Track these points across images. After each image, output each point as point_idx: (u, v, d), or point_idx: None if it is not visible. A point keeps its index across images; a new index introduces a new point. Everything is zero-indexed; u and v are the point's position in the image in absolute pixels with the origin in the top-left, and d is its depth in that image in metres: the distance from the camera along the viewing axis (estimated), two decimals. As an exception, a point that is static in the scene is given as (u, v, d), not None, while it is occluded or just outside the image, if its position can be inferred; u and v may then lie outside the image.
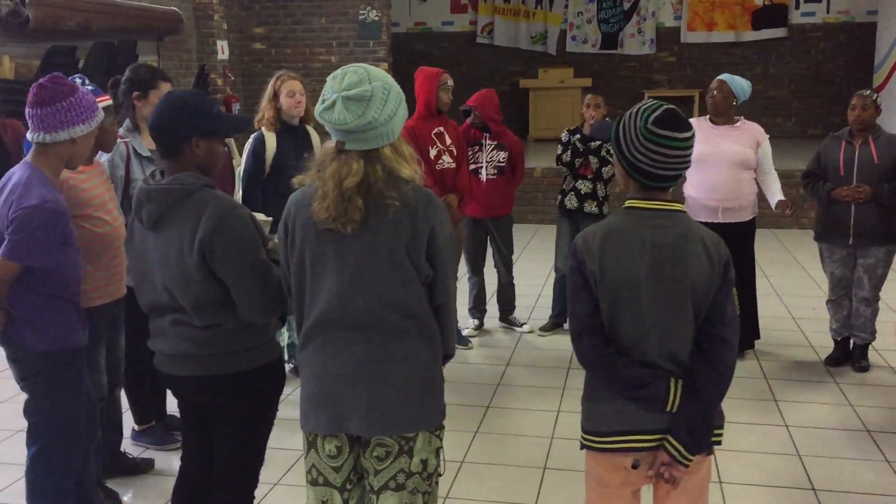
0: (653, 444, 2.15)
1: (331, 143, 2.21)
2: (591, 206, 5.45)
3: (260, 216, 2.70)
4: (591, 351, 2.16)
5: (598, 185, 5.45)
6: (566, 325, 5.78)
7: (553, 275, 5.86)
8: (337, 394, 2.20)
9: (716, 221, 4.85)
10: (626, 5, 13.63)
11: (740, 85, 4.94)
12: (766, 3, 13.28)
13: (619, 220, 2.19)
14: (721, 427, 2.19)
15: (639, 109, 2.15)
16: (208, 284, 2.42)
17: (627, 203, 2.21)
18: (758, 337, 5.18)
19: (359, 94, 2.09)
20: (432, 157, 5.01)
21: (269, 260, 2.47)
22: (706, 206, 4.88)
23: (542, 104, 13.08)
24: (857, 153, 4.67)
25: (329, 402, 2.21)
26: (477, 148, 5.46)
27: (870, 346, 4.98)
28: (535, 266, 7.51)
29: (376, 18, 10.59)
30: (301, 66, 10.63)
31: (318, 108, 2.15)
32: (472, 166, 5.45)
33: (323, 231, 2.16)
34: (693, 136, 2.12)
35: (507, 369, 5.06)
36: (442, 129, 5.15)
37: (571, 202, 5.47)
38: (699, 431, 2.10)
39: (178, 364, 2.57)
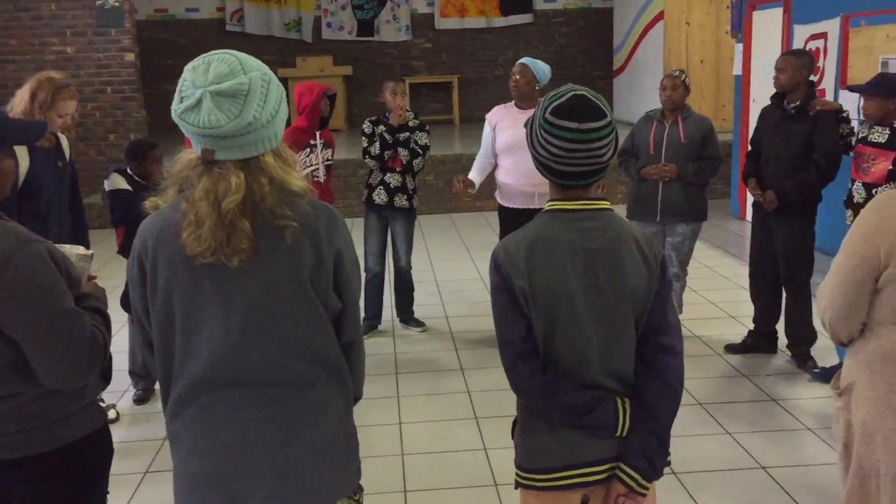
0: (604, 475, 1.91)
1: (191, 154, 1.73)
2: (401, 200, 5.18)
3: (78, 249, 2.11)
4: (530, 379, 1.87)
5: (408, 178, 5.19)
6: (381, 327, 5.50)
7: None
8: (231, 469, 1.73)
9: (533, 207, 4.79)
10: (380, -9, 13.50)
11: (542, 69, 4.88)
12: (512, -11, 13.76)
13: (542, 226, 1.91)
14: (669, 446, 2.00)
15: (547, 96, 1.90)
16: None
17: (548, 205, 1.94)
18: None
19: (233, 89, 1.63)
20: None
21: (77, 309, 1.89)
22: (522, 191, 4.80)
23: (303, 94, 12.57)
24: (666, 132, 4.79)
25: (221, 480, 1.74)
26: (309, 150, 5.00)
27: (676, 318, 5.19)
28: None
29: (116, 4, 9.51)
30: (30, 59, 9.32)
31: (177, 107, 1.66)
32: (306, 171, 4.98)
33: (199, 267, 1.68)
34: (604, 126, 1.81)
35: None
36: None
37: (381, 197, 5.16)
38: (656, 455, 1.89)
39: None
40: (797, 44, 7.33)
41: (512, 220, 4.92)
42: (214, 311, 1.69)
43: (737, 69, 8.77)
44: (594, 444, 1.90)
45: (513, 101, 4.99)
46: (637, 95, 11.70)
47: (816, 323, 4.62)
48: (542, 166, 1.89)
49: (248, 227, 1.65)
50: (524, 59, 4.89)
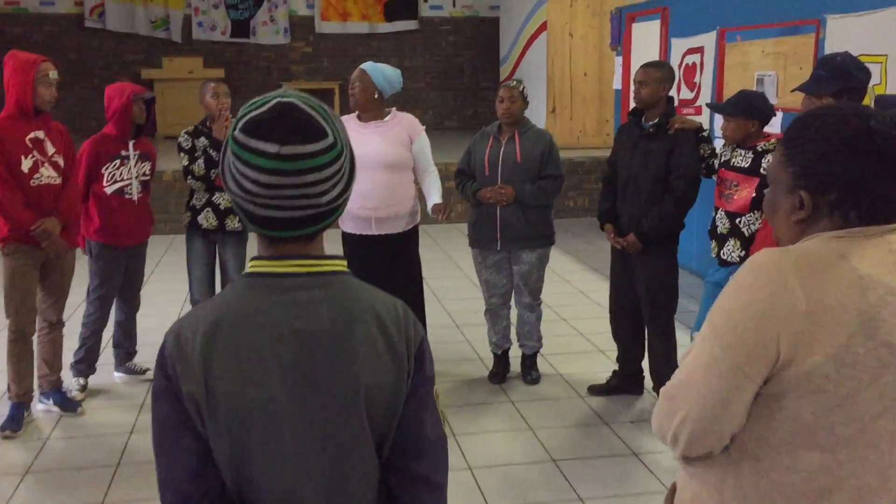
0: None
1: None
2: (233, 223, 4.49)
3: None
4: None
5: (239, 197, 4.52)
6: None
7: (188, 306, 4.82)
8: None
9: (369, 234, 4.24)
10: (256, -9, 12.73)
11: (384, 75, 4.28)
12: (396, -6, 13.22)
13: (234, 298, 1.30)
14: None
15: (244, 106, 1.30)
16: None
17: (250, 266, 1.34)
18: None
19: None
20: (26, 171, 3.86)
21: None
22: (358, 216, 4.24)
23: (171, 97, 11.69)
24: (502, 150, 4.29)
25: None
26: (119, 162, 4.27)
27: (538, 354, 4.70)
28: (168, 292, 6.35)
29: (-56, -8, 8.51)
30: None
31: None
32: (115, 185, 4.29)
33: None
34: (320, 152, 1.24)
35: (132, 439, 3.95)
36: (41, 133, 3.92)
37: (209, 220, 4.44)
38: None
39: None
40: (674, 58, 7.03)
41: (350, 247, 4.34)
42: None
43: (617, 83, 8.46)
44: None
45: (356, 113, 4.41)
46: (522, 107, 11.33)
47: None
48: (240, 209, 1.30)
49: None
50: (365, 65, 4.32)
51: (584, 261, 7.47)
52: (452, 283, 6.66)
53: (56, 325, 4.19)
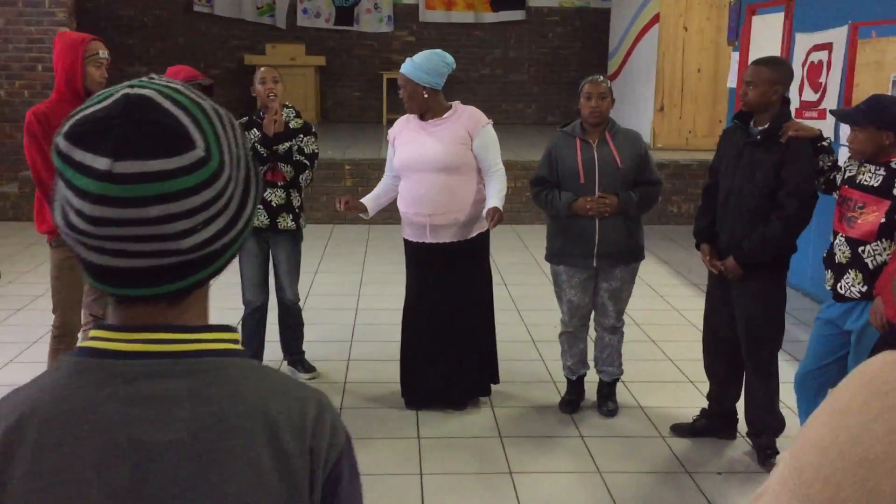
0: None
1: None
2: (286, 221, 4.19)
3: None
4: None
5: (294, 194, 4.21)
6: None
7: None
8: None
9: (426, 242, 3.85)
10: (360, -22, 12.53)
11: (423, 70, 3.77)
12: (504, -17, 12.75)
13: (53, 388, 0.88)
14: None
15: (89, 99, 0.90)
16: None
17: (90, 339, 0.90)
18: (496, 381, 4.22)
19: None
20: None
21: None
22: (414, 222, 3.87)
23: (271, 84, 11.64)
24: (596, 155, 3.80)
25: None
26: None
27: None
28: (226, 286, 6.12)
29: (51, -27, 8.62)
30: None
31: None
32: None
33: None
34: (177, 172, 0.82)
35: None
36: None
37: (261, 219, 4.15)
38: None
39: None
40: (798, 55, 6.31)
41: (409, 255, 3.98)
42: None
43: (731, 80, 7.75)
44: None
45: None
46: (629, 105, 10.64)
47: (786, 398, 3.62)
48: (74, 251, 0.89)
49: None
50: (402, 67, 3.87)
51: (682, 274, 6.83)
52: (535, 291, 6.17)
53: (100, 321, 4.00)
